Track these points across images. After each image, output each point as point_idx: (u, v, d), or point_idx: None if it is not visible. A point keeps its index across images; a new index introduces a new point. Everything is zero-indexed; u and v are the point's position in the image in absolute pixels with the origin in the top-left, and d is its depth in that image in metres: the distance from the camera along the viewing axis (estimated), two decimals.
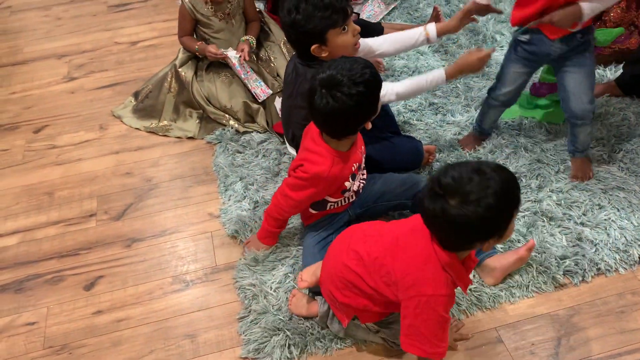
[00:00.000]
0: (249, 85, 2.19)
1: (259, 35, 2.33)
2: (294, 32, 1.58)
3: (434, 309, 1.16)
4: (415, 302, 1.17)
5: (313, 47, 1.56)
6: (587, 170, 1.86)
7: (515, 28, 1.69)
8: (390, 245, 1.23)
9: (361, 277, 1.26)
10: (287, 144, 1.97)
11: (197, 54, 2.22)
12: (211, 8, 2.18)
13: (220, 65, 2.25)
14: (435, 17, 2.47)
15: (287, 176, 1.59)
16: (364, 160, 1.62)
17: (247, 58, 2.17)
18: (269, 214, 1.62)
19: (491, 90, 1.89)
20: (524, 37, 1.67)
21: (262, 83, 2.20)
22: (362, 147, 1.60)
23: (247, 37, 2.24)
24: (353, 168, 1.52)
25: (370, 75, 1.36)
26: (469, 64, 1.65)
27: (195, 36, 2.27)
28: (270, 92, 2.19)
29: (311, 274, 1.46)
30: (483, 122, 1.97)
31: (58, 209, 1.95)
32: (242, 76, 2.18)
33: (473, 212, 1.02)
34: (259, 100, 2.18)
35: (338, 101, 1.33)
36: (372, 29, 2.30)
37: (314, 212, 1.63)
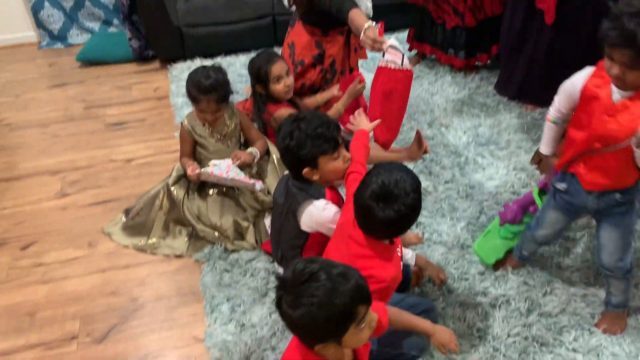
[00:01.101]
0: (238, 181, 2.18)
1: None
2: (288, 156, 1.71)
3: None
4: None
5: (305, 170, 1.67)
6: (617, 326, 1.78)
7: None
8: None
9: None
10: (276, 264, 1.97)
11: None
12: (208, 129, 2.27)
13: (212, 184, 2.31)
14: (418, 141, 2.58)
15: None
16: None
17: (243, 160, 2.22)
18: None
19: (530, 227, 1.89)
20: (561, 186, 1.67)
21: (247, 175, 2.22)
22: None
23: (252, 150, 2.29)
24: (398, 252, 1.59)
25: (414, 180, 1.46)
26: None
27: (194, 157, 2.34)
28: (261, 183, 2.23)
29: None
30: (523, 250, 1.96)
31: (38, 331, 1.89)
32: (224, 176, 2.17)
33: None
34: (257, 190, 2.21)
35: (399, 212, 1.42)
36: None
37: None
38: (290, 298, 1.11)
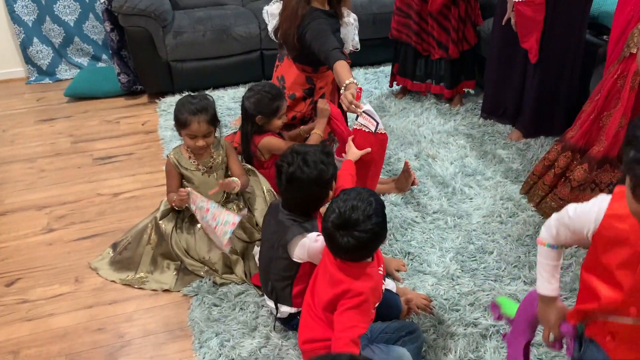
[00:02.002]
0: (212, 230, 2.15)
1: (229, 196, 2.39)
2: (310, 198, 1.81)
3: None
4: None
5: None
6: None
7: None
8: None
9: None
10: (266, 297, 1.96)
11: (175, 207, 2.27)
12: (194, 162, 2.28)
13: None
14: (406, 172, 2.62)
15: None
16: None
17: (225, 188, 2.22)
18: None
19: None
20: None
21: (229, 214, 2.15)
22: None
23: (235, 179, 2.27)
24: (380, 271, 1.61)
25: (376, 203, 1.51)
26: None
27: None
28: (239, 218, 2.14)
29: None
30: None
31: None
32: (206, 206, 2.14)
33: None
34: (224, 249, 2.19)
35: (358, 239, 1.46)
36: None
37: None
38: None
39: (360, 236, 1.46)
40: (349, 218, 1.47)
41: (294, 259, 1.75)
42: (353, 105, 2.12)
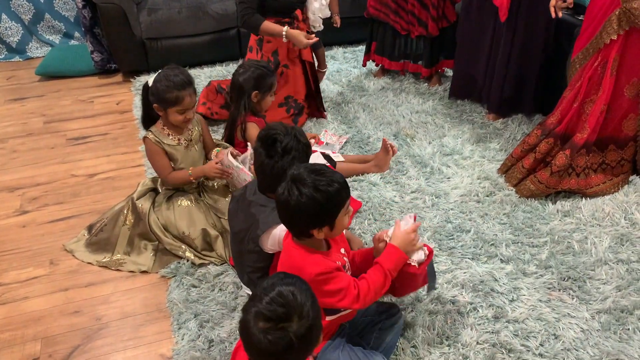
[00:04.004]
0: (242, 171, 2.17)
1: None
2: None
3: None
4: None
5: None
6: None
7: None
8: None
9: None
10: (243, 285, 1.96)
11: (192, 180, 2.24)
12: (174, 138, 2.23)
13: (180, 193, 2.28)
14: (385, 149, 2.62)
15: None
16: (347, 264, 1.62)
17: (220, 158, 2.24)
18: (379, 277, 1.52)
19: None
20: None
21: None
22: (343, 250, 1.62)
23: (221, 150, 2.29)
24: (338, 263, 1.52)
25: (334, 191, 1.41)
26: None
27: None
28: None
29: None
30: None
31: None
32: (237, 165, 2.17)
33: (310, 319, 1.14)
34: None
35: (292, 196, 1.40)
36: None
37: (329, 318, 1.56)
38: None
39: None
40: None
41: (267, 251, 1.74)
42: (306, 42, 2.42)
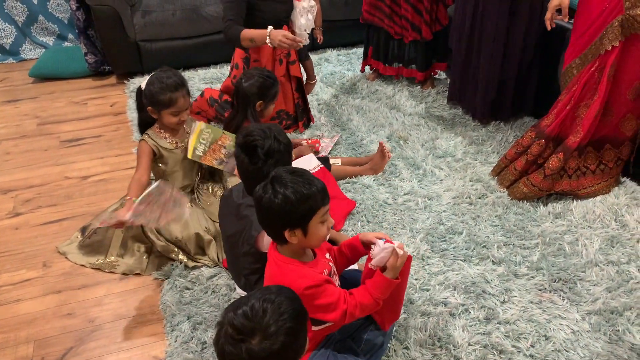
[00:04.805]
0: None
1: (203, 176, 2.43)
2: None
3: None
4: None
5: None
6: None
7: None
8: None
9: None
10: (239, 289, 1.96)
11: (126, 204, 2.08)
12: (171, 141, 2.24)
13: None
14: (381, 152, 2.63)
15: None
16: (333, 268, 1.60)
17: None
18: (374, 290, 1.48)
19: None
20: None
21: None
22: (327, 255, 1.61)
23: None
24: (324, 273, 1.51)
25: (309, 193, 1.39)
26: None
27: (152, 176, 2.29)
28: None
29: None
30: None
31: None
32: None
33: (277, 342, 1.11)
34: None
35: (266, 194, 1.40)
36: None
37: (315, 328, 1.55)
38: (259, 337, 1.12)
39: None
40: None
41: (263, 251, 1.75)
42: (291, 41, 2.40)
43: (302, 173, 1.44)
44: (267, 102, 2.50)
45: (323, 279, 1.45)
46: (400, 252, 1.47)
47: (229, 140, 2.28)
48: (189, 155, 2.24)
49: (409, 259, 1.53)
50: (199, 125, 2.27)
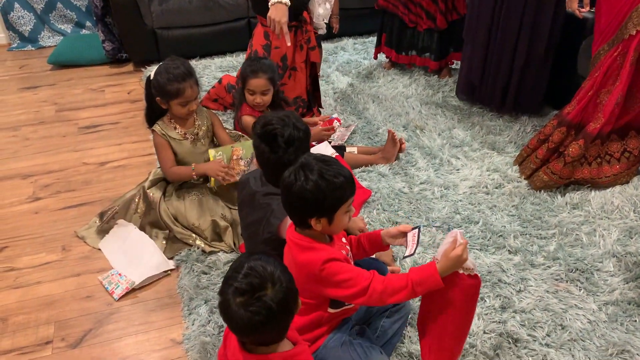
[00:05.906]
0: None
1: None
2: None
3: None
4: None
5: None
6: None
7: None
8: None
9: None
10: None
11: (194, 176, 2.23)
12: (180, 131, 2.26)
13: (190, 184, 2.30)
14: (392, 140, 2.63)
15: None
16: (349, 252, 1.59)
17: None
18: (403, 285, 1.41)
19: None
20: None
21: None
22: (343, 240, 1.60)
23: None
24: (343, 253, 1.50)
25: (339, 182, 1.39)
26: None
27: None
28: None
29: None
30: None
31: (11, 337, 1.85)
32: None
33: (284, 281, 1.19)
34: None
35: (298, 181, 1.39)
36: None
37: (332, 311, 1.54)
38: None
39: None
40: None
41: (284, 238, 1.75)
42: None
43: (331, 162, 1.43)
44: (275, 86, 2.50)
45: (342, 255, 1.46)
46: (461, 240, 1.39)
47: (241, 150, 2.27)
48: (212, 184, 2.25)
49: (476, 292, 1.42)
50: (210, 154, 2.26)
